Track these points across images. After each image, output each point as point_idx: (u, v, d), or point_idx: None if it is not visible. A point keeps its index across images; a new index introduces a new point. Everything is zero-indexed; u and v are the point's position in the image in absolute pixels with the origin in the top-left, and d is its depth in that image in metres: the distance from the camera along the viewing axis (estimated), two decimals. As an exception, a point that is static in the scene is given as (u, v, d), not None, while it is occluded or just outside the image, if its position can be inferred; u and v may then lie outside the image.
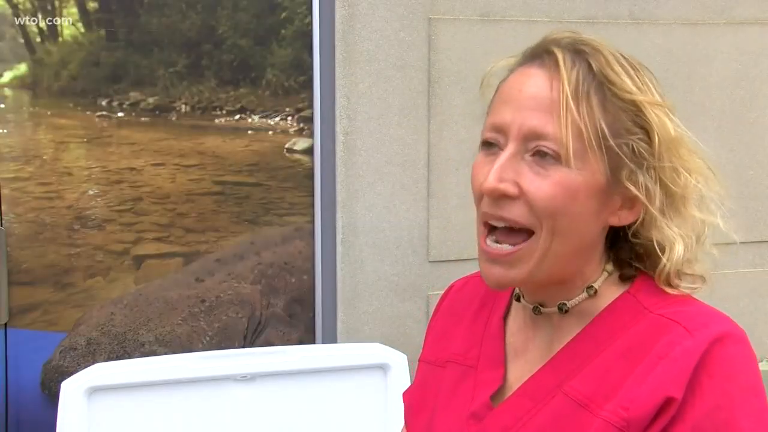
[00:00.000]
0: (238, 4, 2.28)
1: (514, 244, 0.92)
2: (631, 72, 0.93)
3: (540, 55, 0.94)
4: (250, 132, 2.33)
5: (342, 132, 2.32)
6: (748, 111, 2.61)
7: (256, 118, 2.33)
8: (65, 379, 1.75)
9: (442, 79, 2.37)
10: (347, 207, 2.35)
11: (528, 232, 0.92)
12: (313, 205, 2.37)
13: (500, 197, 0.91)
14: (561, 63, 0.91)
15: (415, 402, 1.13)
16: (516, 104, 0.92)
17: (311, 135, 2.34)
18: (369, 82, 2.33)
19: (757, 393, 0.88)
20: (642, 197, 0.91)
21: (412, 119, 2.36)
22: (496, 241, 0.94)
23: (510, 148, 0.91)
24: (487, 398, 1.00)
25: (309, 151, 2.35)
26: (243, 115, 2.32)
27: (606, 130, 0.90)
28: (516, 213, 0.91)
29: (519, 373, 1.00)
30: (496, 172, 0.91)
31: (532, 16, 2.41)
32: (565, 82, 0.89)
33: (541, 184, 0.90)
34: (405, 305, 2.40)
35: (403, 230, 2.39)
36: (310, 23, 2.31)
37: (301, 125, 2.35)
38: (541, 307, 0.99)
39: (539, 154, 0.90)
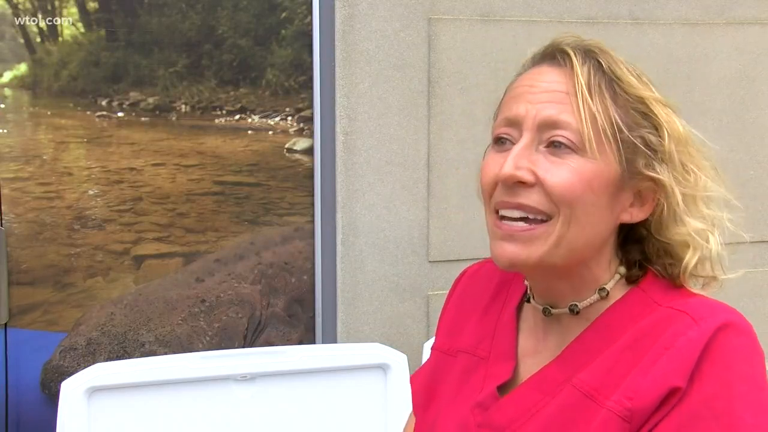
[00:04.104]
0: (238, 4, 2.28)
1: (530, 225, 0.93)
2: (635, 73, 0.96)
3: (551, 54, 0.96)
4: (250, 132, 2.33)
5: (342, 132, 2.32)
6: (748, 111, 2.61)
7: (256, 118, 2.33)
8: (65, 379, 1.75)
9: (442, 79, 2.37)
10: (347, 207, 2.35)
11: (543, 221, 0.92)
12: (313, 205, 2.37)
13: (516, 185, 0.92)
14: (574, 58, 0.93)
15: (425, 390, 1.14)
16: (529, 98, 0.94)
17: (311, 135, 2.34)
18: (369, 82, 2.33)
19: (758, 384, 0.88)
20: (666, 179, 0.92)
21: (412, 119, 2.36)
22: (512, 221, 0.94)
23: (525, 139, 0.93)
24: (493, 389, 1.00)
25: (309, 151, 2.35)
26: (243, 115, 2.32)
27: (620, 122, 0.92)
28: (534, 200, 0.92)
29: (528, 369, 1.01)
30: (512, 160, 0.92)
31: (532, 16, 2.41)
32: (580, 75, 0.92)
33: (558, 172, 0.91)
34: (405, 305, 2.40)
35: (403, 230, 2.39)
36: (310, 23, 2.31)
37: (301, 125, 2.35)
38: (551, 309, 0.99)
39: (554, 145, 0.92)
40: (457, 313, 1.15)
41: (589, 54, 0.95)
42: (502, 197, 0.93)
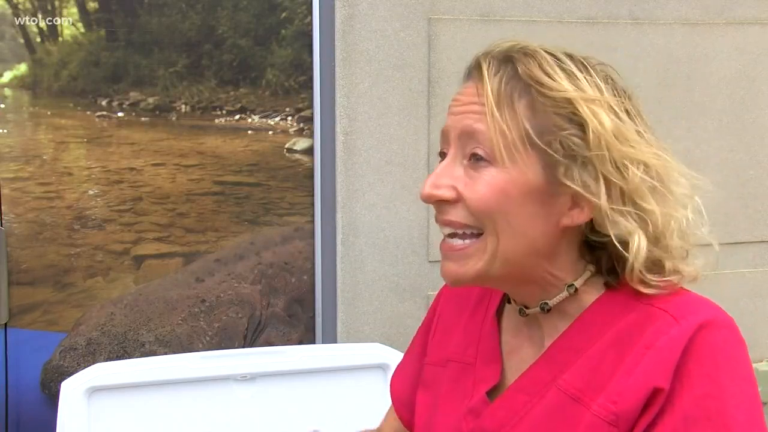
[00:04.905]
0: (238, 4, 2.28)
1: (464, 241, 0.96)
2: (573, 71, 0.94)
3: (470, 69, 0.99)
4: (250, 132, 2.33)
5: (342, 132, 2.32)
6: (748, 111, 2.61)
7: (256, 118, 2.33)
8: (65, 379, 1.75)
9: (442, 79, 2.37)
10: (347, 207, 2.35)
11: (477, 234, 0.95)
12: (313, 205, 2.37)
13: (440, 203, 0.96)
14: (485, 72, 0.95)
15: (423, 403, 1.14)
16: (453, 110, 0.99)
17: (311, 135, 2.35)
18: (369, 82, 2.33)
19: (746, 379, 0.88)
20: (582, 191, 0.91)
21: (412, 119, 2.37)
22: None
23: (450, 155, 0.97)
24: (483, 394, 1.01)
25: (309, 151, 2.35)
26: (243, 115, 2.32)
27: (531, 130, 0.92)
28: (459, 215, 0.95)
29: (514, 370, 1.01)
30: (431, 180, 0.96)
31: (532, 16, 2.41)
32: (488, 86, 0.94)
33: (475, 186, 0.93)
34: (405, 305, 2.40)
35: (403, 230, 2.39)
36: (310, 23, 2.31)
37: (301, 125, 2.35)
38: (525, 309, 1.00)
39: (474, 158, 0.94)
40: (445, 324, 1.16)
41: (508, 60, 0.95)
42: (436, 214, 0.98)
